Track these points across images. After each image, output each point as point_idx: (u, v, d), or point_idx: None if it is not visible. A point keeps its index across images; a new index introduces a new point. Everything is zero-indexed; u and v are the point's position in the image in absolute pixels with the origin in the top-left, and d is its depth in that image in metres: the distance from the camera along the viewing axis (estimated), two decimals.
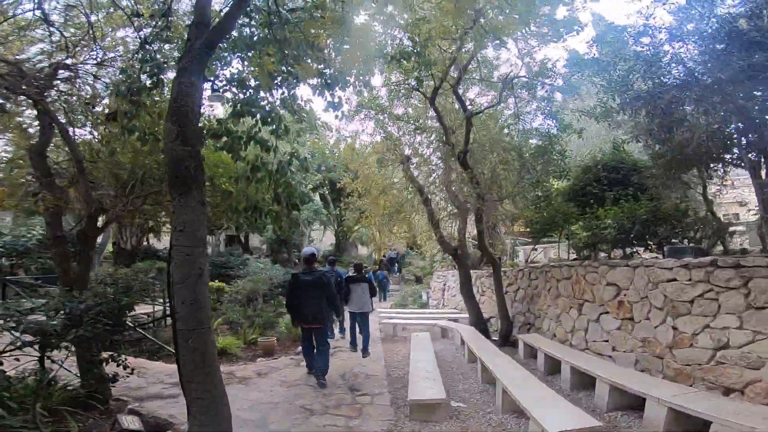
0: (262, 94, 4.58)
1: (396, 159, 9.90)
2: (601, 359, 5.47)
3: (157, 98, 5.19)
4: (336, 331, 8.73)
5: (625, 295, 5.13)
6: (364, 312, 7.23)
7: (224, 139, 4.49)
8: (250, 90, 4.48)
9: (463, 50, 6.94)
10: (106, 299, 3.90)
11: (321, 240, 25.72)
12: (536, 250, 11.36)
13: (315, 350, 5.70)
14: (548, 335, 7.28)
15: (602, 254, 6.53)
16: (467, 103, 8.78)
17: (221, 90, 4.68)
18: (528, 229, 9.97)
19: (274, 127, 4.48)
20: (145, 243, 18.34)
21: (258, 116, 4.48)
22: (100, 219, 5.21)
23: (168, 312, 8.48)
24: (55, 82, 4.80)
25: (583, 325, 6.11)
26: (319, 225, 24.35)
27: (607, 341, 5.52)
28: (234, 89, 4.64)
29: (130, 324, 5.60)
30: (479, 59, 8.61)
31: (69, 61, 4.81)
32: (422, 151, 9.57)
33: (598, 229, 5.80)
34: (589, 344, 5.93)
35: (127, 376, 4.41)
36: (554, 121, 7.35)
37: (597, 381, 4.69)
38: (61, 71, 4.76)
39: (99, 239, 15.99)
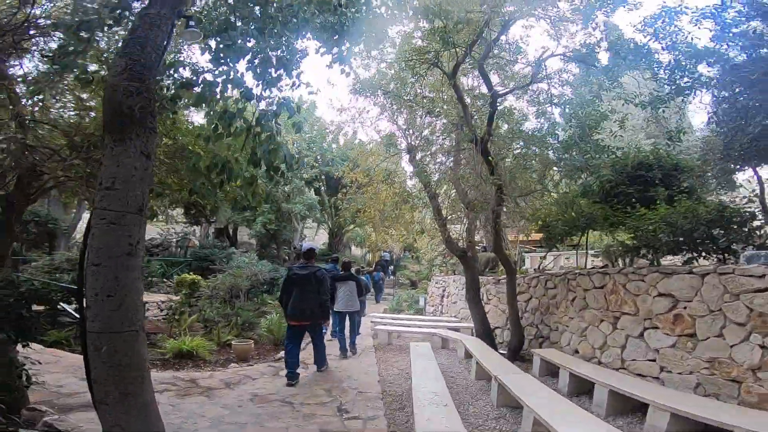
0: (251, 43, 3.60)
1: (402, 147, 8.92)
2: (645, 381, 4.53)
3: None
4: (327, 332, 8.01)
5: (685, 307, 4.17)
6: (351, 311, 7.22)
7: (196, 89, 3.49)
8: (235, 33, 3.48)
9: (498, 18, 5.93)
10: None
11: (314, 238, 24.66)
12: (544, 258, 10.42)
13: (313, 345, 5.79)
14: (567, 350, 6.31)
15: (639, 261, 5.59)
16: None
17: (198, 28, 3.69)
18: (540, 234, 8.97)
19: (258, 72, 3.47)
20: None
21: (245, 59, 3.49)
22: (34, 185, 4.17)
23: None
24: None
25: (618, 341, 5.14)
26: (312, 222, 23.33)
27: (653, 360, 4.56)
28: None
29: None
30: (504, 41, 7.69)
31: None
32: (433, 139, 8.56)
33: (645, 231, 4.83)
34: (626, 363, 4.96)
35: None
36: (590, 108, 6.34)
37: (651, 408, 3.74)
38: None
39: (81, 221, 14.97)
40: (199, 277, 7.64)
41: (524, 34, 7.82)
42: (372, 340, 9.03)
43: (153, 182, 2.55)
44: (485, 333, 7.66)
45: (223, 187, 2.84)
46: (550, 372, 5.91)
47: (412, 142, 8.83)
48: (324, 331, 6.60)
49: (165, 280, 11.08)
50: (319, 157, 17.77)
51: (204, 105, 3.33)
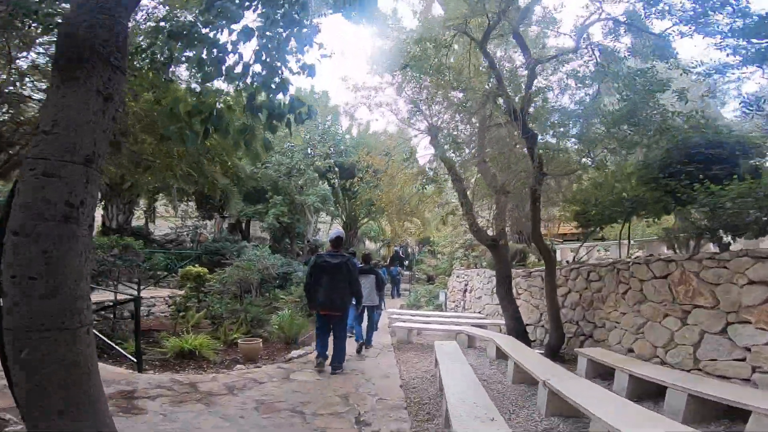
0: None
1: (423, 129, 8.17)
2: (733, 384, 3.74)
3: None
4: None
5: None
6: (370, 306, 7.00)
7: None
8: None
9: None
10: None
11: (328, 233, 24.11)
12: (578, 250, 9.56)
13: (333, 337, 5.43)
14: (618, 350, 5.52)
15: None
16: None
17: None
18: (567, 228, 8.09)
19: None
20: (140, 223, 16.89)
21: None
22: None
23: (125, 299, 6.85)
24: None
25: (690, 339, 4.33)
26: (325, 216, 22.73)
27: (743, 360, 3.76)
28: None
29: None
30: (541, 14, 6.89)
31: None
32: (458, 118, 7.76)
33: (723, 210, 4.00)
34: (702, 363, 4.16)
35: None
36: (644, 78, 5.46)
37: (754, 416, 2.98)
38: None
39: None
40: (206, 270, 7.04)
41: (558, 3, 6.93)
42: (390, 337, 8.33)
43: (112, 129, 1.85)
44: (518, 331, 6.89)
45: (208, 136, 2.16)
46: (599, 374, 5.16)
47: (434, 122, 8.07)
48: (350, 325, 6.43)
49: (174, 274, 10.56)
50: (332, 149, 17.09)
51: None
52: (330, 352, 5.48)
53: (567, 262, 9.13)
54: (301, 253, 15.45)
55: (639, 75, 5.48)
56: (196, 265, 7.05)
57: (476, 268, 11.64)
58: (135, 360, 5.20)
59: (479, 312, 9.88)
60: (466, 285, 10.81)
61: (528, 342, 6.82)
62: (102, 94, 2.02)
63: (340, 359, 5.39)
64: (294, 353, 6.33)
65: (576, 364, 5.80)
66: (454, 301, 11.47)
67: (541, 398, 4.14)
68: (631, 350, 5.27)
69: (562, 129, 5.89)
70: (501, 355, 6.35)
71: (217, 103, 2.37)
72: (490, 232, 7.88)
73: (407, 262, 20.23)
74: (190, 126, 2.10)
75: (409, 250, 24.08)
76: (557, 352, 6.36)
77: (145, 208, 17.16)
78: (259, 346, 5.96)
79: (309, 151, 16.87)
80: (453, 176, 7.56)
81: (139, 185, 12.74)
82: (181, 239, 16.66)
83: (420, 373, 5.78)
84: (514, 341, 6.29)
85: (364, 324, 7.06)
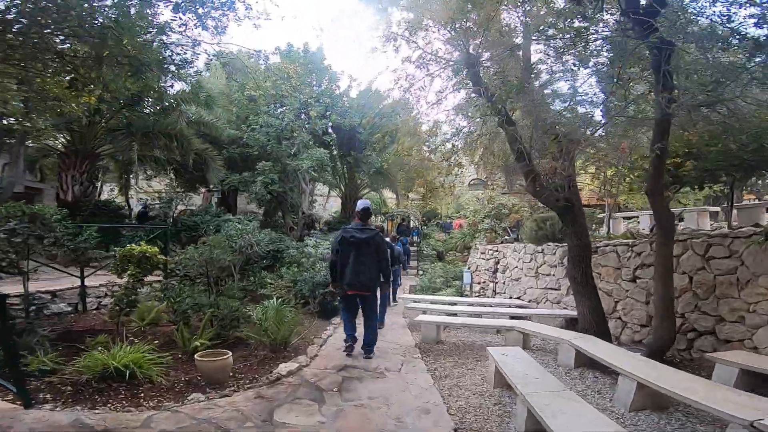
0: None
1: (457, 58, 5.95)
2: None
3: None
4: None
5: None
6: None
7: None
8: None
9: None
10: None
11: (325, 206, 21.97)
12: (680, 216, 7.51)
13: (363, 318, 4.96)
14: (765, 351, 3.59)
15: None
16: None
17: None
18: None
19: None
20: (103, 196, 14.66)
21: None
22: None
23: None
24: None
25: None
26: (322, 187, 20.57)
27: None
28: None
29: None
30: None
31: None
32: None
33: None
34: None
35: None
36: None
37: None
38: None
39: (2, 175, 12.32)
40: (156, 250, 4.95)
41: None
42: (411, 335, 6.37)
43: None
44: (600, 328, 4.91)
45: None
46: (751, 386, 3.37)
47: (473, 50, 5.87)
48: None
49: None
50: (329, 111, 14.71)
51: None
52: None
53: (631, 233, 7.10)
54: (294, 227, 13.36)
55: None
56: (142, 243, 4.96)
57: (512, 242, 9.63)
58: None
59: (518, 297, 7.92)
60: (496, 263, 8.81)
61: (610, 341, 4.87)
62: None
63: (372, 341, 4.98)
64: (283, 368, 4.34)
65: (699, 371, 4.00)
66: (479, 283, 9.49)
67: None
68: None
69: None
70: (582, 362, 4.41)
71: None
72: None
73: (415, 236, 18.20)
74: None
75: (413, 224, 22.03)
76: (664, 354, 4.42)
77: (117, 182, 14.93)
78: (227, 362, 3.93)
79: (302, 116, 14.55)
80: (500, 116, 5.40)
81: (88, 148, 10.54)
82: (158, 214, 14.46)
83: (474, 399, 3.82)
84: (605, 345, 4.33)
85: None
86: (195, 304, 5.18)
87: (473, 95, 6.12)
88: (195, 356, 3.97)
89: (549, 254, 7.22)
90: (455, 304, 7.72)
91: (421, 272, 15.51)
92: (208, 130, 13.38)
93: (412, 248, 17.78)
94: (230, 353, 4.06)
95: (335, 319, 7.12)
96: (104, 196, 15.14)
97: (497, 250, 8.90)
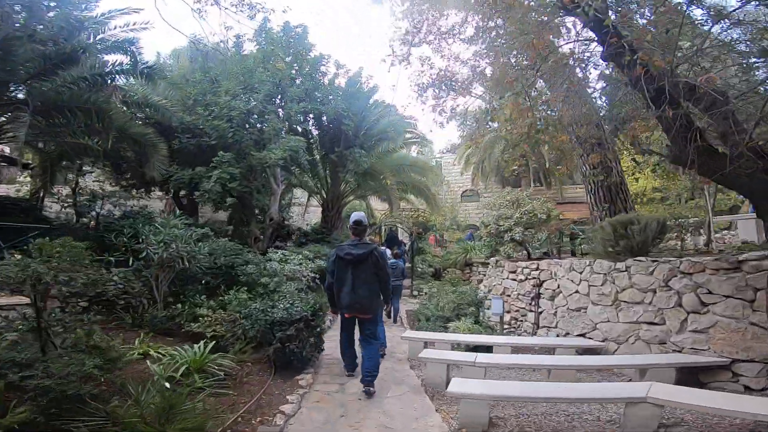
0: None
1: None
2: None
3: None
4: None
5: None
6: None
7: None
8: None
9: None
10: None
11: (303, 215, 19.16)
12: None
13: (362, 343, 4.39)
14: None
15: None
16: None
17: None
18: None
19: None
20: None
21: None
22: None
23: None
24: None
25: None
26: (302, 193, 17.86)
27: None
28: None
29: None
30: None
31: None
32: None
33: None
34: None
35: None
36: None
37: None
38: None
39: None
40: None
41: None
42: (437, 413, 3.69)
43: None
44: None
45: None
46: None
47: None
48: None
49: None
50: (306, 96, 12.12)
51: None
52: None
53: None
54: (260, 238, 10.57)
55: None
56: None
57: (558, 256, 7.09)
58: None
59: (583, 335, 5.32)
60: (538, 286, 6.23)
61: None
62: None
63: (373, 371, 4.25)
64: None
65: None
66: (508, 312, 6.87)
67: None
68: None
69: None
70: None
71: None
72: None
73: (406, 248, 15.51)
74: None
75: (412, 235, 19.30)
76: None
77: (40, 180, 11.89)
78: None
79: (276, 100, 11.93)
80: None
81: None
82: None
83: None
84: None
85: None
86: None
87: None
88: None
89: (639, 274, 4.71)
90: (497, 347, 5.09)
91: (416, 292, 12.88)
92: (156, 114, 10.65)
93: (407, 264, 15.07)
94: None
95: (304, 376, 4.43)
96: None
97: (538, 268, 6.34)
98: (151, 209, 14.54)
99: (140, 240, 5.76)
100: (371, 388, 4.15)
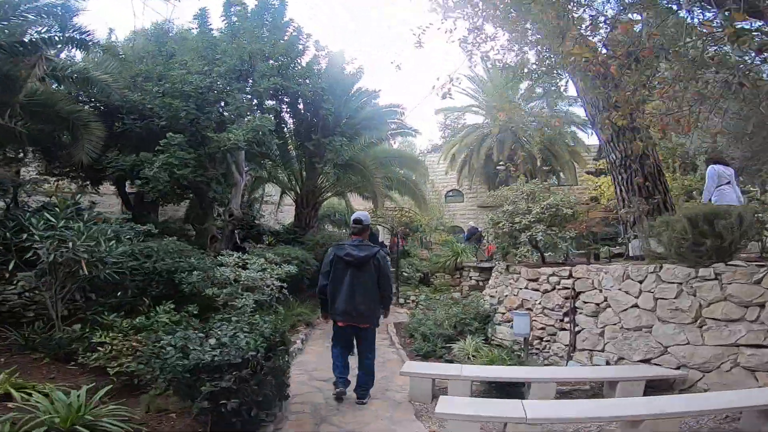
0: None
1: None
2: None
3: None
4: None
5: None
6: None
7: None
8: None
9: None
10: None
11: (276, 213, 17.35)
12: None
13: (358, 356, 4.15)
14: None
15: None
16: None
17: None
18: None
19: None
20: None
21: None
22: None
23: None
24: None
25: None
26: (271, 187, 16.15)
27: None
28: None
29: None
30: None
31: None
32: None
33: None
34: None
35: None
36: None
37: None
38: None
39: None
40: None
41: None
42: None
43: None
44: None
45: None
46: None
47: None
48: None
49: None
50: (279, 74, 10.44)
51: None
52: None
53: None
54: (219, 236, 8.83)
55: None
56: None
57: (592, 262, 5.66)
58: None
59: (647, 360, 3.92)
60: (573, 298, 4.80)
61: None
62: None
63: (368, 382, 4.07)
64: None
65: None
66: (533, 332, 5.41)
67: None
68: None
69: None
70: None
71: None
72: None
73: (386, 249, 13.97)
74: None
75: (381, 238, 17.80)
76: None
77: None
78: None
79: (242, 80, 10.22)
80: None
81: None
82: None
83: None
84: None
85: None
86: None
87: None
88: None
89: (738, 283, 3.36)
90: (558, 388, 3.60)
91: (403, 300, 11.38)
92: (99, 93, 8.85)
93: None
94: None
95: None
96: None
97: (571, 276, 4.90)
98: (110, 206, 12.57)
99: (27, 236, 4.05)
100: (365, 401, 3.97)
